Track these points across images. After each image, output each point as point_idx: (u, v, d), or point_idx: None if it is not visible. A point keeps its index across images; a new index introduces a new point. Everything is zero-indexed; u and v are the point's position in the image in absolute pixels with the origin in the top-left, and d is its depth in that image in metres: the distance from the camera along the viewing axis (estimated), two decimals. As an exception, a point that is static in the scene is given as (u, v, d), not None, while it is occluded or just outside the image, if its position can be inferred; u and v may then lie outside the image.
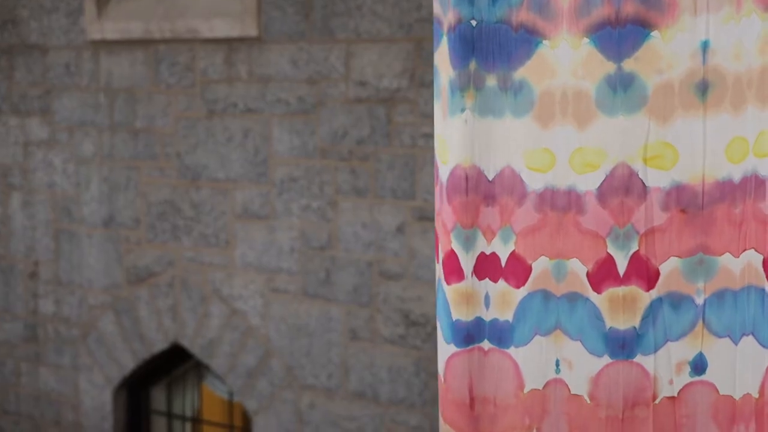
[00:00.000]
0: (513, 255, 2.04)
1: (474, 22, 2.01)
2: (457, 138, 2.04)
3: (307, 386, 5.73)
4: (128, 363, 6.35)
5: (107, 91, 6.25)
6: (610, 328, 2.00)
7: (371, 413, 5.56)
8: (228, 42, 5.80)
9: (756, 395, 2.01)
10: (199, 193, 5.97)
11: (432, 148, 5.24)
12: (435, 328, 5.31)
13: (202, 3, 5.92)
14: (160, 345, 6.22)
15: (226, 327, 5.95)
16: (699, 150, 1.95)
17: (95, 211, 6.36)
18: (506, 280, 2.06)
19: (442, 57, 2.07)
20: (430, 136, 5.24)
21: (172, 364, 6.50)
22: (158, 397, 6.62)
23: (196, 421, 6.53)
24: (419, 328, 5.36)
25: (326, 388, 5.67)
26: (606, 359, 2.01)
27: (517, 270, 2.05)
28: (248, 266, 5.83)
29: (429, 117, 5.23)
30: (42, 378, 6.71)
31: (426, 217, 5.29)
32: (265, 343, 5.83)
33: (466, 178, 2.04)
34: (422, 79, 5.24)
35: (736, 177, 1.96)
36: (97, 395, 6.50)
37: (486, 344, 2.09)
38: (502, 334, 2.07)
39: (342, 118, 5.49)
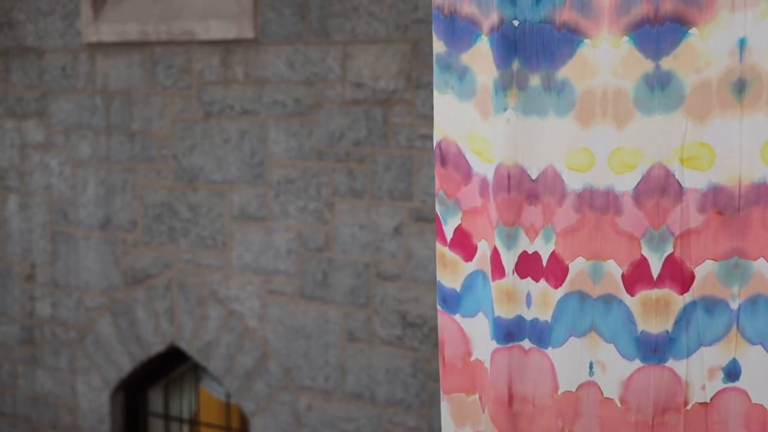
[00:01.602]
0: (553, 255, 2.04)
1: (516, 23, 2.01)
2: (499, 137, 2.04)
3: (305, 388, 5.72)
4: (125, 365, 6.34)
5: (104, 93, 6.25)
6: (642, 331, 1.98)
7: (368, 414, 5.55)
8: (224, 44, 5.80)
9: None
10: (195, 195, 5.97)
11: (429, 149, 5.24)
12: (432, 329, 5.31)
13: (199, 5, 5.92)
14: (157, 347, 6.21)
15: (223, 329, 5.94)
16: (735, 151, 1.91)
17: (92, 213, 6.35)
18: (547, 279, 2.05)
19: (479, 57, 2.06)
20: (427, 137, 5.24)
21: (170, 366, 6.49)
22: (155, 399, 6.61)
23: (194, 422, 6.52)
24: (416, 329, 5.35)
25: (323, 390, 5.66)
26: (637, 363, 1.98)
27: (556, 270, 2.04)
28: (245, 268, 5.82)
29: (426, 118, 5.23)
30: (39, 380, 6.70)
31: (423, 218, 5.28)
32: (262, 345, 5.82)
33: (508, 177, 2.04)
34: (419, 81, 5.23)
35: None
36: (94, 397, 6.48)
37: (526, 343, 2.08)
38: (542, 334, 2.06)
39: (339, 120, 5.48)
